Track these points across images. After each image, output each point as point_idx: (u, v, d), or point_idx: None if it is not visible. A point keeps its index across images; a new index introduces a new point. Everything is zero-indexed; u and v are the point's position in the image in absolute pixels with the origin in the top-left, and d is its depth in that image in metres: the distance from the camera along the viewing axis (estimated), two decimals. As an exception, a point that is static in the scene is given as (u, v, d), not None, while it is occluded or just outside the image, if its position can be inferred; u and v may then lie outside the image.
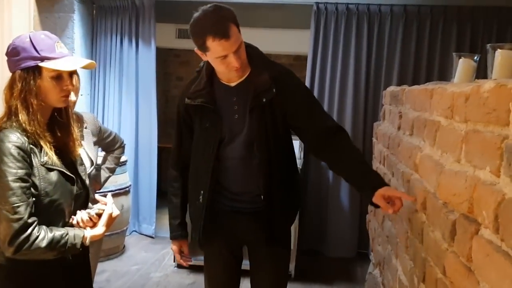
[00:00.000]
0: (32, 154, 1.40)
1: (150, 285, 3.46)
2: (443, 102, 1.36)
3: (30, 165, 1.39)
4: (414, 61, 3.96)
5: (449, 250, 1.17)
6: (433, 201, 1.35)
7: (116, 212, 1.58)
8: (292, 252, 3.61)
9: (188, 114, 1.86)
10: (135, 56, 4.37)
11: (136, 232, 4.60)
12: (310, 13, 4.07)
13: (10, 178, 1.33)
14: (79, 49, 4.21)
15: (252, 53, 1.78)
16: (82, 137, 2.16)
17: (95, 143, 2.24)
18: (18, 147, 1.36)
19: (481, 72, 1.89)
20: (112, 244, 3.85)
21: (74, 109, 2.15)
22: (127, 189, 4.00)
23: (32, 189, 1.38)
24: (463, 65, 1.90)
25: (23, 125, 1.40)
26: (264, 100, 1.74)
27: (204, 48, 1.65)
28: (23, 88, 1.41)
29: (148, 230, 4.51)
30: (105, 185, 2.63)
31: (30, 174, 1.38)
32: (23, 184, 1.35)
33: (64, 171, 1.48)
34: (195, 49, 1.70)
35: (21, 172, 1.35)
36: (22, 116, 1.41)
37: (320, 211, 4.21)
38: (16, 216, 1.33)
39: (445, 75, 3.77)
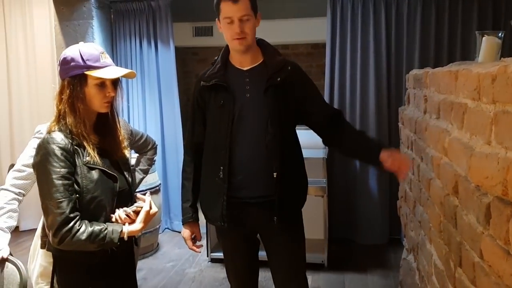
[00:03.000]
0: (75, 155, 1.55)
1: (186, 281, 3.53)
2: (469, 84, 1.34)
3: (73, 165, 1.53)
4: (435, 42, 3.88)
5: (485, 234, 1.17)
6: (465, 185, 1.34)
7: (154, 210, 1.67)
8: (323, 241, 3.63)
9: (202, 98, 2.02)
10: (155, 57, 4.43)
11: (169, 229, 4.69)
12: (326, 1, 4.03)
13: (54, 176, 1.49)
14: (100, 55, 4.28)
15: (265, 44, 2.04)
16: None
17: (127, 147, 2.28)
18: (62, 148, 1.51)
19: (506, 49, 1.85)
20: (146, 243, 3.94)
21: None
22: (157, 187, 4.08)
23: (76, 186, 1.53)
24: (487, 43, 1.87)
25: (70, 127, 1.55)
26: (278, 79, 1.93)
27: (218, 11, 1.89)
28: (71, 94, 1.57)
29: (180, 226, 4.51)
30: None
31: (72, 172, 1.53)
32: (66, 182, 1.50)
33: (105, 169, 1.61)
34: (216, 20, 1.95)
35: (63, 171, 1.50)
36: (70, 119, 1.56)
37: (348, 199, 4.20)
38: (59, 211, 1.48)
39: (468, 54, 3.69)
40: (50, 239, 1.52)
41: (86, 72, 1.57)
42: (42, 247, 1.60)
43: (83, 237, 1.49)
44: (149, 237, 3.99)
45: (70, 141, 1.55)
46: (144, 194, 1.71)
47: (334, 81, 4.11)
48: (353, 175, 4.16)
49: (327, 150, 4.00)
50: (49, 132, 1.57)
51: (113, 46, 4.50)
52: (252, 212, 1.99)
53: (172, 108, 4.45)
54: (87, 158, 1.57)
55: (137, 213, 1.63)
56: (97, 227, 1.53)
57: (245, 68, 1.99)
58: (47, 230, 1.52)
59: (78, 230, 1.49)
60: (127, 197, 1.71)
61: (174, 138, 4.47)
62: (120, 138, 1.72)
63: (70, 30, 4.20)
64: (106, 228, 1.54)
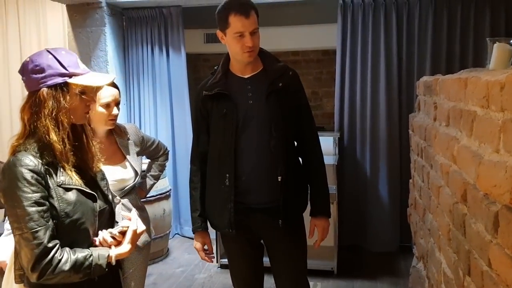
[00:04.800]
0: (47, 176, 1.36)
1: (195, 287, 3.55)
2: (478, 91, 1.33)
3: (46, 187, 1.35)
4: (446, 49, 3.86)
5: (493, 242, 1.16)
6: (473, 193, 1.33)
7: (141, 228, 1.53)
8: (333, 248, 3.62)
9: (205, 107, 2.04)
10: (166, 63, 4.46)
11: (179, 234, 4.70)
12: (336, 7, 4.04)
13: (25, 203, 1.30)
14: (112, 61, 4.34)
15: (263, 52, 2.06)
16: (127, 149, 2.22)
17: (138, 153, 2.28)
18: (31, 170, 1.32)
19: (518, 56, 1.83)
20: (156, 248, 3.96)
21: (117, 121, 2.21)
22: (167, 193, 4.10)
23: (53, 211, 1.36)
24: (498, 50, 1.86)
25: (55, 144, 1.36)
26: (280, 84, 1.97)
27: (225, 25, 1.89)
28: (54, 106, 1.37)
29: (190, 232, 4.56)
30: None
31: (46, 196, 1.34)
32: (40, 208, 1.32)
33: (83, 189, 1.44)
34: (217, 31, 1.96)
35: (36, 196, 1.32)
36: (53, 136, 1.36)
37: (359, 206, 4.18)
38: (36, 242, 1.30)
39: (480, 61, 3.66)
40: (28, 274, 1.33)
41: (69, 81, 1.39)
42: (17, 281, 1.43)
43: (66, 267, 1.33)
44: (159, 242, 4.01)
45: (40, 160, 1.35)
46: (130, 211, 1.62)
47: (345, 88, 4.11)
48: (363, 182, 4.14)
49: (337, 156, 4.00)
50: (13, 153, 1.37)
51: (125, 52, 4.55)
52: (257, 217, 2.02)
53: (183, 114, 4.48)
54: (62, 178, 1.39)
55: (123, 233, 1.48)
56: (80, 255, 1.36)
57: (246, 76, 2.02)
58: (23, 265, 1.35)
59: (60, 260, 1.32)
60: (108, 217, 1.56)
61: (185, 143, 4.49)
62: (93, 151, 1.53)
63: (83, 37, 4.27)
64: (91, 254, 1.38)
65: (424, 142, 2.26)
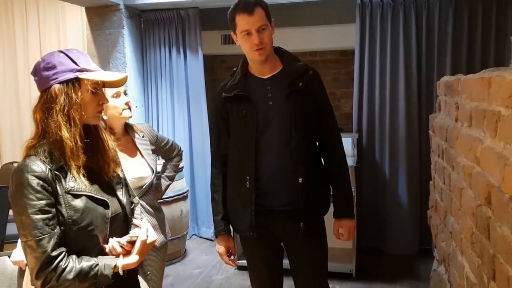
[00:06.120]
0: (55, 182, 1.33)
1: (213, 288, 3.54)
2: (503, 91, 1.30)
3: (54, 194, 1.32)
4: (467, 48, 3.79)
5: (519, 247, 1.12)
6: (498, 195, 1.29)
7: (152, 238, 1.47)
8: (351, 250, 3.58)
9: (225, 109, 2.03)
10: (183, 65, 4.48)
11: (196, 235, 4.71)
12: (355, 7, 4.00)
13: (30, 211, 1.28)
14: (130, 63, 4.37)
15: (283, 52, 2.04)
16: (142, 146, 2.23)
17: (153, 151, 2.31)
18: (38, 177, 1.29)
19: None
20: (174, 249, 3.97)
21: (129, 122, 2.23)
22: (185, 194, 4.11)
23: (61, 218, 1.33)
24: (522, 49, 1.81)
25: (66, 141, 1.33)
26: (300, 84, 1.94)
27: (234, 25, 1.90)
28: (66, 102, 1.34)
29: (207, 233, 4.61)
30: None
31: (52, 204, 1.32)
32: (44, 216, 1.29)
33: (93, 195, 1.40)
34: (231, 33, 1.97)
35: (41, 203, 1.29)
36: (65, 133, 1.33)
37: (378, 208, 4.13)
38: (40, 250, 1.28)
39: (502, 60, 3.59)
40: (33, 281, 1.32)
41: (81, 76, 1.36)
42: (33, 283, 1.42)
43: (70, 276, 1.30)
44: (177, 243, 4.02)
45: (49, 166, 1.32)
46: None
47: (363, 88, 4.07)
48: (382, 183, 4.09)
49: (356, 158, 3.96)
50: (25, 157, 1.35)
51: (143, 54, 4.58)
52: (278, 220, 2.00)
53: (200, 116, 4.49)
54: (70, 184, 1.35)
55: (132, 243, 1.44)
56: (86, 264, 1.33)
57: (265, 77, 2.00)
58: (29, 271, 1.33)
59: (64, 269, 1.30)
60: (122, 222, 1.50)
61: (202, 145, 4.50)
62: (110, 155, 1.48)
63: (102, 39, 4.31)
64: (97, 264, 1.34)
65: (445, 143, 2.21)
